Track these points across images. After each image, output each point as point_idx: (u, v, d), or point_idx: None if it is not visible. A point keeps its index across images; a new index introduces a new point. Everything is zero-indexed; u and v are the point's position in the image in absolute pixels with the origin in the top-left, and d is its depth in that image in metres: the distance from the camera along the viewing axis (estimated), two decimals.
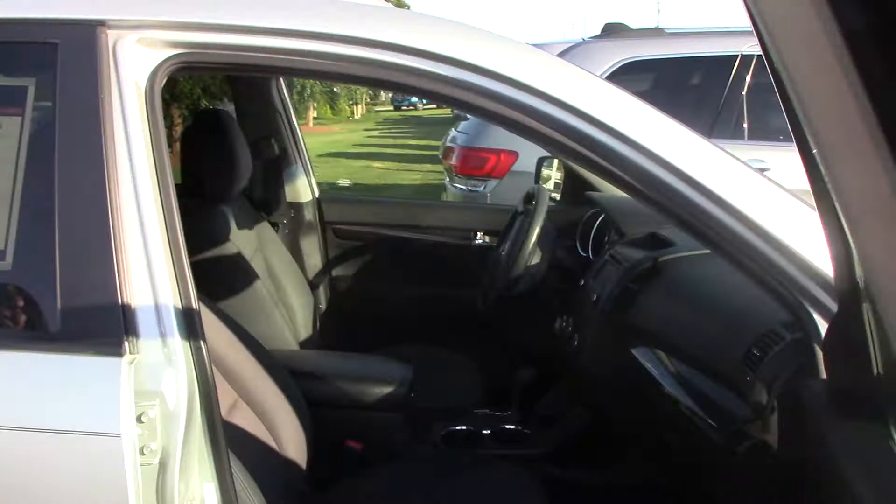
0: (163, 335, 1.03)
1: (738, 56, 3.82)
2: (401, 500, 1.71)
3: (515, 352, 2.57)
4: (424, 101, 36.73)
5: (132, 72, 1.12)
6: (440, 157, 5.95)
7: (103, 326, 1.02)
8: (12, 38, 1.17)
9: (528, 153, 3.45)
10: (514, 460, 1.90)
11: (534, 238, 2.21)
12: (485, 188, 4.33)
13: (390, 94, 36.26)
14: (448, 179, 5.04)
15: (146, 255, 1.04)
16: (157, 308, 1.03)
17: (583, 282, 2.19)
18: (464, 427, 2.24)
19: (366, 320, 2.73)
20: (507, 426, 2.28)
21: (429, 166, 11.61)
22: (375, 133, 21.42)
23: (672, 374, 1.61)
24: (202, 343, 1.06)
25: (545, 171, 2.91)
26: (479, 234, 2.89)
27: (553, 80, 1.12)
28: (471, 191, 4.45)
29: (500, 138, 4.12)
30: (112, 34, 1.13)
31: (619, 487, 2.05)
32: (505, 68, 1.12)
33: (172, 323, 1.03)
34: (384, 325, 2.67)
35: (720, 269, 1.70)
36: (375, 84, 1.23)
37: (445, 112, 29.94)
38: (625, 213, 2.26)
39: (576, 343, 2.07)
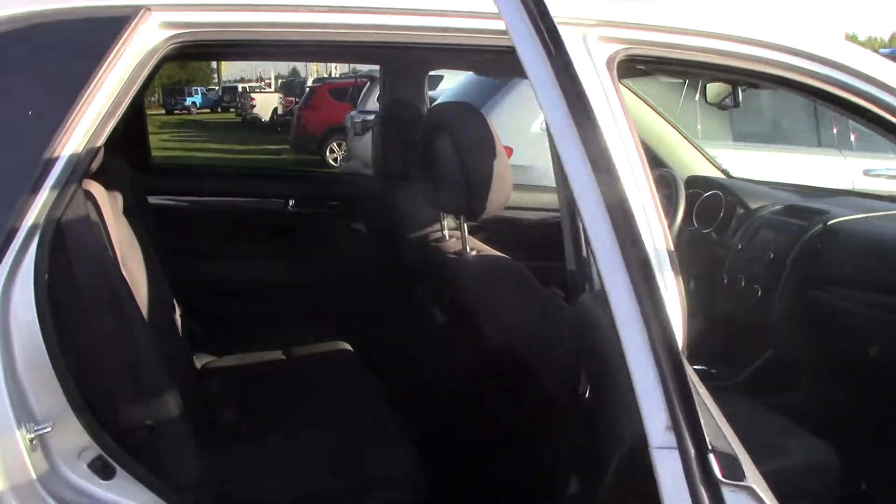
0: None
1: None
2: None
3: None
4: (198, 105, 34.33)
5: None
6: None
7: None
8: None
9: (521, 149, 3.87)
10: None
11: (679, 220, 2.53)
12: None
13: (161, 97, 33.64)
14: None
15: None
16: None
17: (740, 246, 2.54)
18: None
19: None
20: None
21: None
22: (167, 137, 18.79)
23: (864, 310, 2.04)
24: None
25: None
26: None
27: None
28: None
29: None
30: None
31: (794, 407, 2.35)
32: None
33: None
34: None
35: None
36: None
37: (225, 116, 28.34)
38: (746, 192, 2.72)
39: (759, 294, 2.38)
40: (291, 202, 3.00)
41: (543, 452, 1.80)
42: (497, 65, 2.69)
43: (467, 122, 1.74)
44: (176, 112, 33.67)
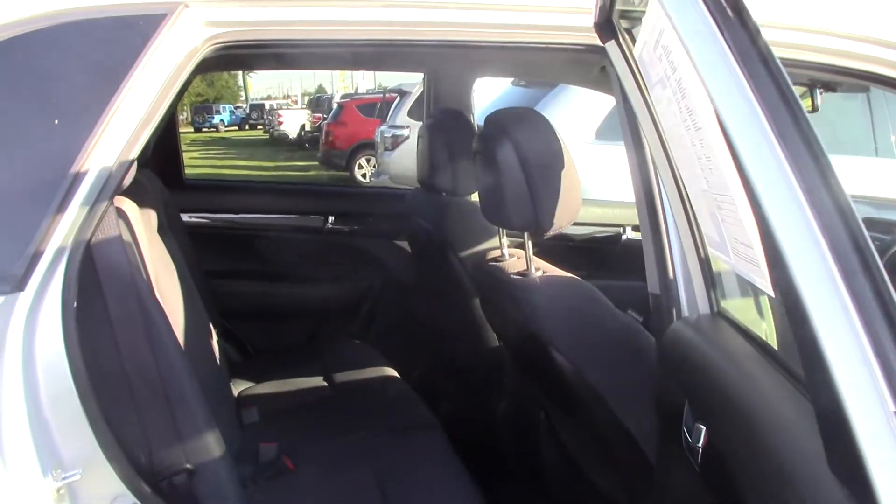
0: None
1: None
2: None
3: None
4: (226, 123, 34.80)
5: None
6: None
7: None
8: None
9: None
10: None
11: None
12: None
13: (190, 115, 33.87)
14: None
15: None
16: None
17: None
18: None
19: None
20: None
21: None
22: (196, 155, 19.03)
23: None
24: None
25: None
26: None
27: None
28: None
29: None
30: None
31: None
32: None
33: None
34: None
35: None
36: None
37: (253, 134, 28.74)
38: None
39: None
40: (331, 219, 2.85)
41: (619, 494, 1.63)
42: (551, 67, 2.53)
43: (534, 130, 1.58)
44: (204, 130, 34.02)
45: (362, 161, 13.51)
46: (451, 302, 2.33)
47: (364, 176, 13.28)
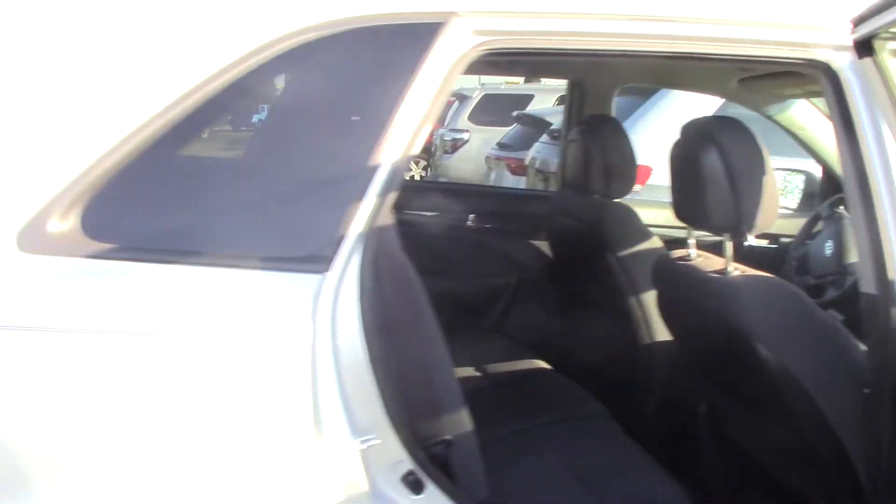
0: None
1: None
2: None
3: None
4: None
5: None
6: None
7: None
8: None
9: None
10: None
11: None
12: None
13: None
14: None
15: None
16: None
17: None
18: None
19: None
20: None
21: None
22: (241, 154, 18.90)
23: None
24: None
25: None
26: None
27: None
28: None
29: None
30: None
31: None
32: None
33: None
34: None
35: None
36: None
37: None
38: None
39: None
40: (472, 217, 2.96)
41: (811, 490, 1.72)
42: (691, 77, 2.62)
43: (739, 138, 1.68)
44: (242, 129, 34.15)
45: (410, 163, 13.57)
46: (601, 301, 2.42)
47: (412, 178, 13.37)
